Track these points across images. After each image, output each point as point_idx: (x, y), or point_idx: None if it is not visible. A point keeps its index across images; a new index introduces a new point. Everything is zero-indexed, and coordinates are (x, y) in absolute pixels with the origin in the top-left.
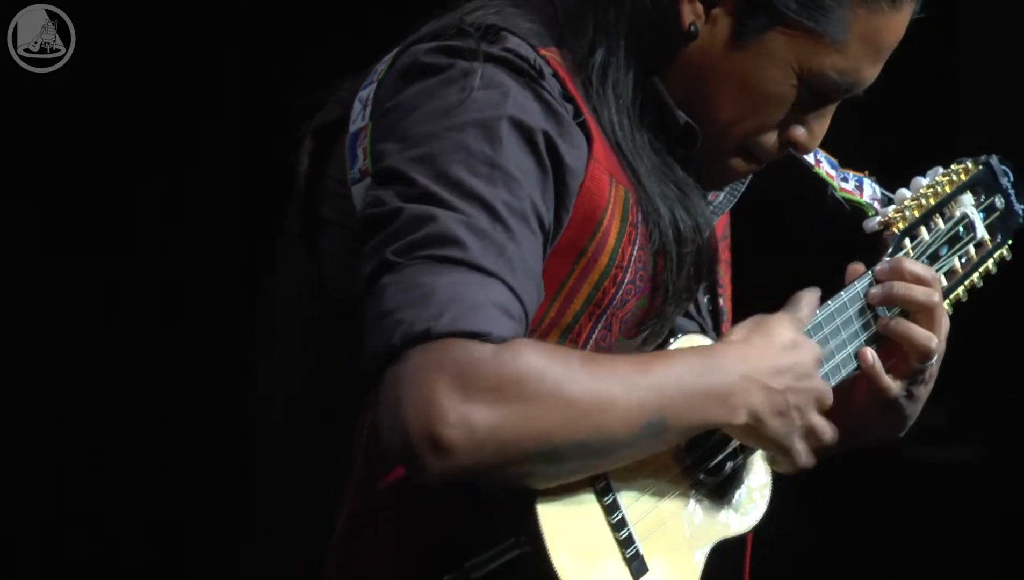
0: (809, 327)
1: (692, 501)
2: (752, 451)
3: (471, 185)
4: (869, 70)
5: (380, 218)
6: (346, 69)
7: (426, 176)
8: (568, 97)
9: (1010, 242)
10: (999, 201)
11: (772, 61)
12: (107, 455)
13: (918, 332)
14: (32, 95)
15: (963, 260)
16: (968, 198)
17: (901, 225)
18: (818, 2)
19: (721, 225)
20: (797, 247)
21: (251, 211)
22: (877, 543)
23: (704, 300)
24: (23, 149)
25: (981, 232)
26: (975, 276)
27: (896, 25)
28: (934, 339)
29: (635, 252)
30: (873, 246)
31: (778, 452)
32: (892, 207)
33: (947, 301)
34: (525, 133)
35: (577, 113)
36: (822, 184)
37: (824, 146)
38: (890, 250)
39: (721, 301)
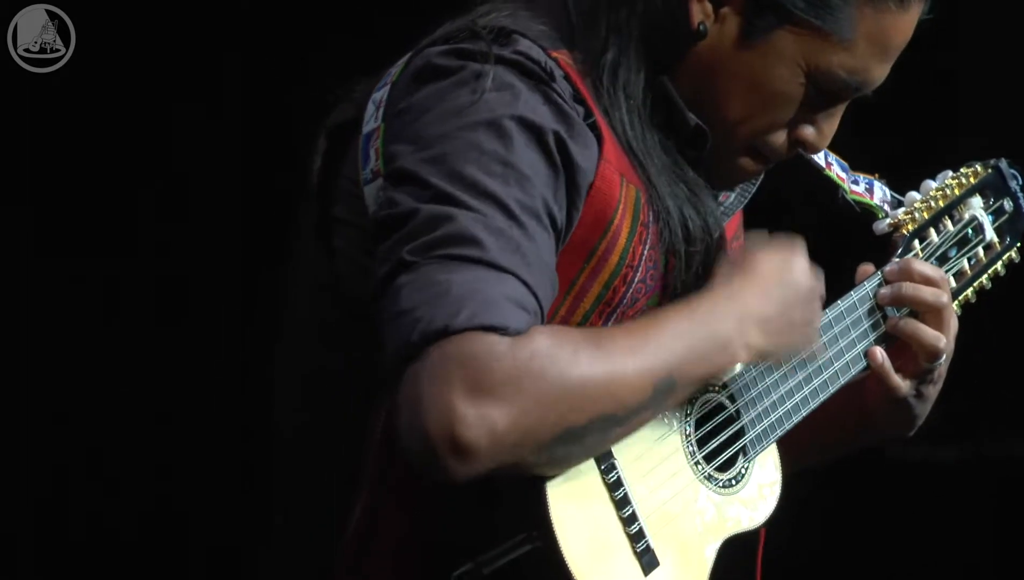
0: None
1: (703, 497)
2: (762, 448)
3: (485, 184)
4: (878, 69)
5: (395, 219)
6: (346, 69)
7: (440, 176)
8: (579, 99)
9: (1019, 244)
10: (1008, 204)
11: (780, 59)
12: (107, 455)
13: (927, 332)
14: (32, 95)
15: (972, 262)
16: (977, 201)
17: (910, 227)
18: (825, 1)
19: (733, 226)
20: (808, 249)
21: (251, 211)
22: (877, 543)
23: None
24: (23, 149)
25: (990, 234)
26: (984, 278)
27: (903, 25)
28: (943, 339)
29: (646, 251)
30: (883, 247)
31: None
32: (902, 209)
33: (956, 302)
34: (536, 133)
35: (588, 114)
36: (833, 187)
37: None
38: (899, 251)
39: None
